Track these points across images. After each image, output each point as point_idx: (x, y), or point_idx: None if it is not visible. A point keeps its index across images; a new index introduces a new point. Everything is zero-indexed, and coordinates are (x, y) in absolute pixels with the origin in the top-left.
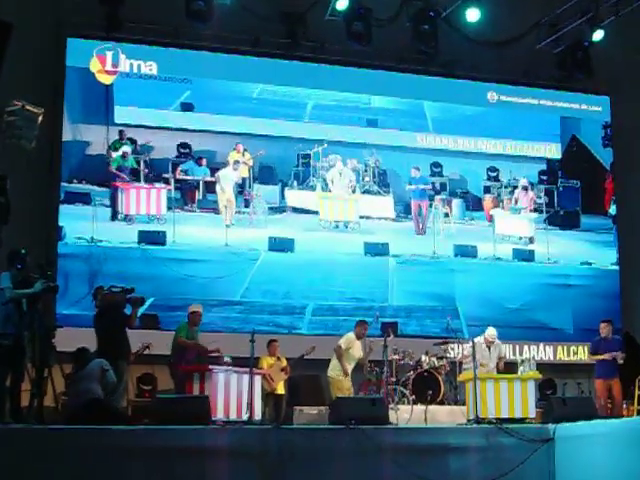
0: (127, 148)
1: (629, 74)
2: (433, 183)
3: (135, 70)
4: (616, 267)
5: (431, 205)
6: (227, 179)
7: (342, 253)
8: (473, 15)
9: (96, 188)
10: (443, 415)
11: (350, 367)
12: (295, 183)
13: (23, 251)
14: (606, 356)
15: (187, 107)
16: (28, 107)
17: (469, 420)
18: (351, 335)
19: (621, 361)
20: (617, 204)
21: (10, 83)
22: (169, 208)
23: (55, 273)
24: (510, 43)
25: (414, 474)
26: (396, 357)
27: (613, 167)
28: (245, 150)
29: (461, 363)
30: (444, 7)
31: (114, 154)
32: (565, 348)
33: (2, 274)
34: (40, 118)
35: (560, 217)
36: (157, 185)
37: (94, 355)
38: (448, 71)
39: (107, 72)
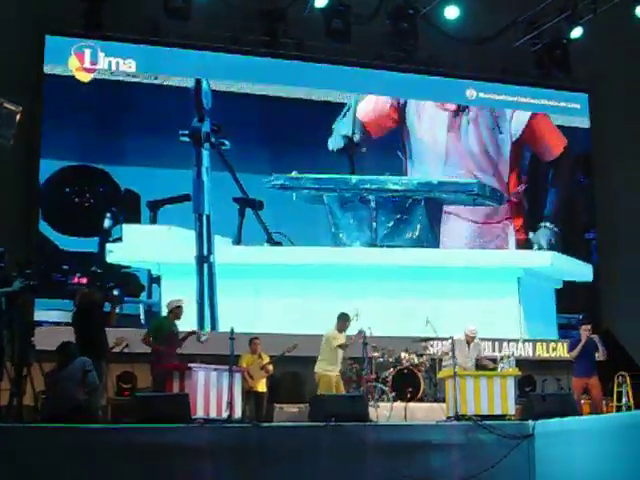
0: None
1: (607, 71)
2: None
3: (114, 68)
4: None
5: None
6: None
7: None
8: (452, 12)
9: None
10: (423, 412)
11: (336, 362)
12: None
13: (1, 249)
14: (583, 341)
15: None
16: (6, 105)
17: (449, 417)
18: (332, 329)
19: (602, 358)
20: (595, 199)
21: None
22: None
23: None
24: (489, 40)
25: (395, 471)
26: (376, 354)
27: (591, 164)
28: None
29: (441, 360)
30: (423, 4)
31: None
32: (544, 345)
33: None
34: (18, 116)
35: None
36: None
37: (77, 351)
38: (427, 68)
39: (85, 70)
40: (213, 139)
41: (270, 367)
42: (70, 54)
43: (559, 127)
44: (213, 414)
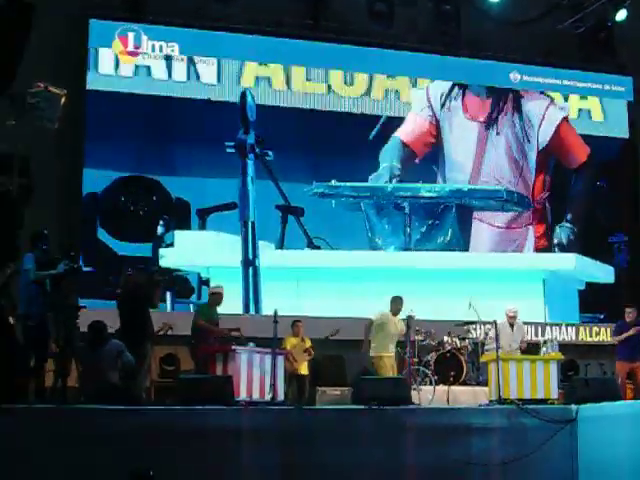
0: None
1: None
2: None
3: (157, 51)
4: None
5: None
6: None
7: None
8: None
9: None
10: (465, 396)
11: (391, 345)
12: None
13: (46, 232)
14: (632, 332)
15: None
16: (51, 88)
17: (491, 401)
18: (385, 311)
19: None
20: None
21: (33, 65)
22: None
23: (78, 254)
24: (532, 23)
25: (436, 454)
26: (418, 338)
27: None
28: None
29: (483, 344)
30: None
31: None
32: (587, 329)
33: (26, 255)
34: (63, 99)
35: None
36: None
37: (106, 331)
38: (470, 51)
39: (129, 53)
40: (257, 150)
41: (312, 350)
42: (114, 38)
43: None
44: (256, 396)
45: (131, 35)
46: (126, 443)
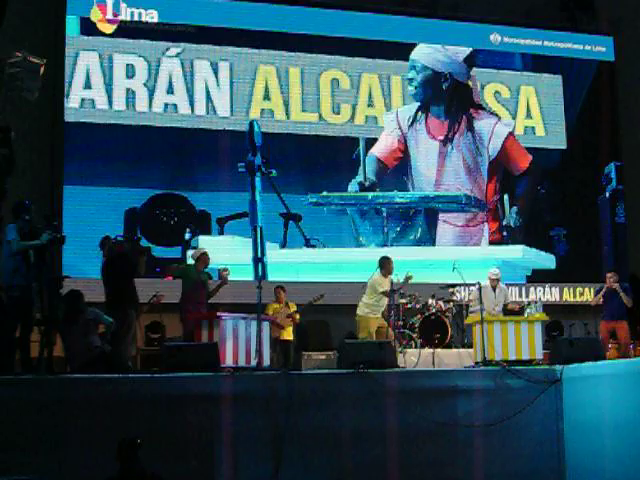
0: None
1: (633, 14)
2: None
3: (136, 18)
4: None
5: None
6: None
7: None
8: None
9: None
10: (451, 358)
11: (380, 305)
12: None
13: (27, 202)
14: (604, 290)
15: None
16: (30, 58)
17: (477, 362)
18: (378, 275)
19: (629, 305)
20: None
21: (11, 34)
22: None
23: (61, 224)
24: None
25: (422, 417)
26: (403, 301)
27: (616, 110)
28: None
29: (468, 306)
30: None
31: None
32: (571, 289)
33: (8, 226)
34: (42, 69)
35: None
36: None
37: (83, 299)
38: (450, 13)
39: (108, 21)
40: (263, 169)
41: (297, 315)
42: (93, 5)
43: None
44: (242, 363)
45: (110, 2)
46: (113, 412)
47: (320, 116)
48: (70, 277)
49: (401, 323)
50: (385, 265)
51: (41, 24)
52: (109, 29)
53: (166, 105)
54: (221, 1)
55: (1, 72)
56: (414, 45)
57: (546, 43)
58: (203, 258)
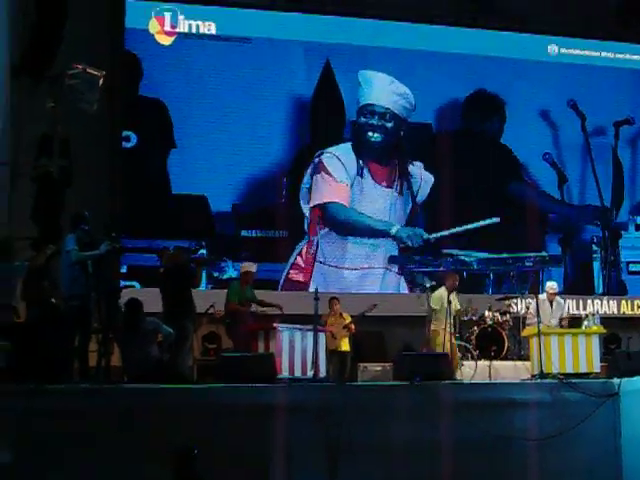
0: None
1: None
2: None
3: (194, 30)
4: None
5: None
6: None
7: None
8: None
9: None
10: (507, 370)
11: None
12: None
13: (86, 213)
14: None
15: None
16: (89, 70)
17: (533, 375)
18: (442, 290)
19: None
20: None
21: (71, 46)
22: None
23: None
24: None
25: (478, 430)
26: (460, 312)
27: None
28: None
29: (524, 318)
30: None
31: None
32: (629, 302)
33: (67, 236)
34: (101, 81)
35: None
36: None
37: (142, 309)
38: (508, 24)
39: (166, 33)
40: None
41: (352, 326)
42: (150, 17)
43: None
44: (298, 373)
45: (167, 14)
46: (169, 421)
47: None
48: (129, 287)
49: (457, 335)
50: (448, 281)
51: (100, 37)
52: (167, 41)
53: None
54: (279, 13)
55: (61, 84)
56: (469, 56)
57: (604, 54)
58: (245, 276)
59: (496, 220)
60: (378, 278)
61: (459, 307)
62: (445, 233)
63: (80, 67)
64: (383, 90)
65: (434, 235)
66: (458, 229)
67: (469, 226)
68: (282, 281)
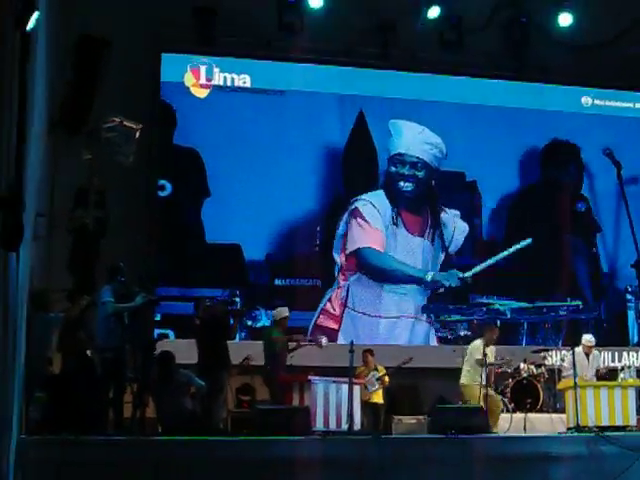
0: None
1: None
2: None
3: (229, 83)
4: None
5: None
6: None
7: None
8: (565, 19)
9: None
10: (542, 423)
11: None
12: None
13: (122, 265)
14: None
15: None
16: (126, 123)
17: (569, 428)
18: (479, 342)
19: None
20: None
21: (107, 99)
22: None
23: (154, 286)
24: (603, 46)
25: None
26: (495, 365)
27: None
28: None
29: (560, 371)
30: (536, 13)
31: None
32: None
33: (103, 288)
34: (138, 133)
35: None
36: None
37: (174, 361)
38: (541, 76)
39: (201, 86)
40: None
41: (386, 378)
42: (186, 70)
43: None
44: (333, 426)
45: (203, 67)
46: (204, 473)
47: None
48: (164, 337)
49: (493, 388)
50: (487, 333)
51: (137, 90)
52: (202, 93)
53: None
54: (312, 65)
55: (97, 137)
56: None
57: (637, 105)
58: (283, 322)
59: (529, 242)
60: (407, 327)
61: (493, 360)
62: (478, 268)
63: (117, 120)
64: (413, 139)
65: (468, 273)
66: (491, 261)
67: (504, 253)
68: (311, 327)
